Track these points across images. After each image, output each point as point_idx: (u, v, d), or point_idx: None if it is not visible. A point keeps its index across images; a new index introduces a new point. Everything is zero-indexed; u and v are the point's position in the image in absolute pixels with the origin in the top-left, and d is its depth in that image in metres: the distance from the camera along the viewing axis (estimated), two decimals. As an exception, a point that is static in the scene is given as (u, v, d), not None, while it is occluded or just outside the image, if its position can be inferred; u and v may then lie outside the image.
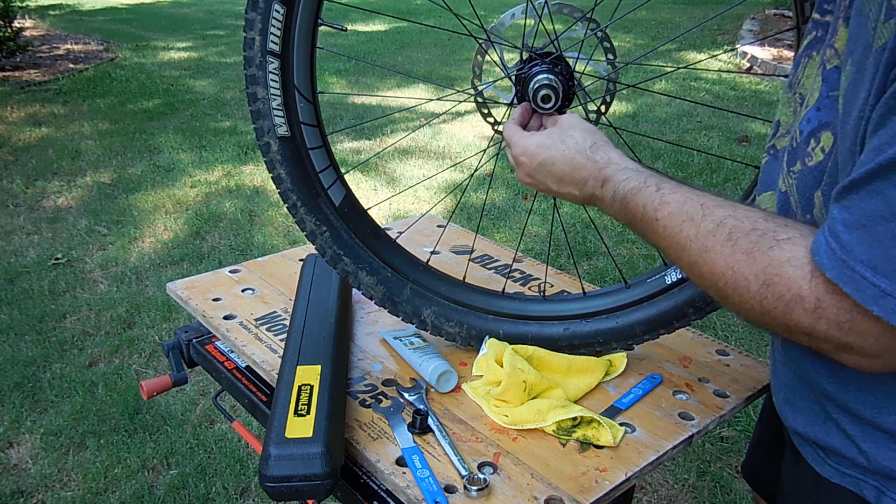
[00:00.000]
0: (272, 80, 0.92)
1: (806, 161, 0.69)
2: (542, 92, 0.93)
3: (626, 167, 0.79)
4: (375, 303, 1.07)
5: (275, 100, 0.93)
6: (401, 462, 0.87)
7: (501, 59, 0.99)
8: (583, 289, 1.16)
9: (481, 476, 0.84)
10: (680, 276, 1.04)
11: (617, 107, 5.29)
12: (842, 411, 0.71)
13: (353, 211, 1.04)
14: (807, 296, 0.59)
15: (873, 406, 0.68)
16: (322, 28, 0.94)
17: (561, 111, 0.97)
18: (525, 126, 0.96)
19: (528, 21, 0.98)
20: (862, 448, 0.70)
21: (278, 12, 0.89)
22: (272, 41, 0.90)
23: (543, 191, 0.89)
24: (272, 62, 0.91)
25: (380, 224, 1.10)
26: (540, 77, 0.94)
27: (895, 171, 0.52)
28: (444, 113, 5.23)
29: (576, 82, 0.97)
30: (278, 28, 0.90)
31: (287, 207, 1.00)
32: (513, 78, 0.98)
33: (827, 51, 0.69)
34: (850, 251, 0.55)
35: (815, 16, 0.76)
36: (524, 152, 0.88)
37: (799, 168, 0.70)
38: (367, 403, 0.99)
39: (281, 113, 0.94)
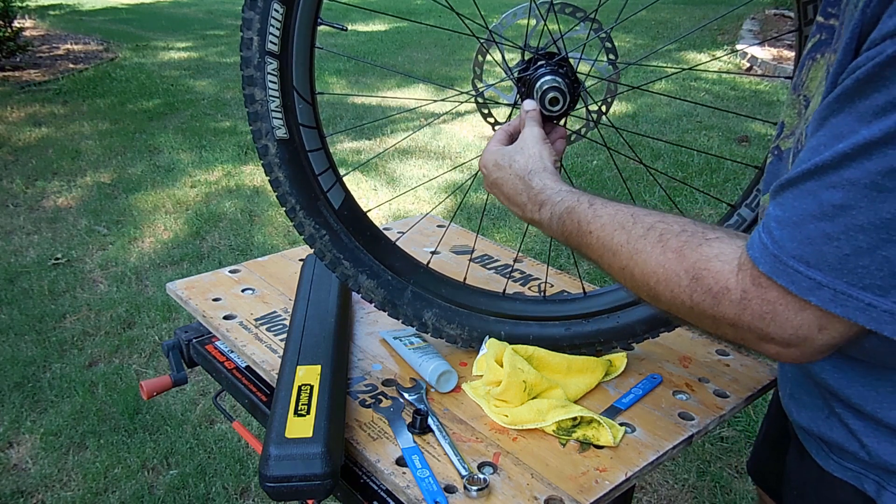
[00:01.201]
0: (271, 81, 0.91)
1: None
2: (550, 95, 0.93)
3: (560, 190, 0.85)
4: (376, 306, 1.07)
5: (273, 101, 0.92)
6: (401, 462, 0.87)
7: (504, 59, 0.99)
8: (583, 288, 1.16)
9: (481, 476, 0.84)
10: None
11: (617, 107, 5.29)
12: (845, 407, 0.72)
13: (353, 214, 1.03)
14: (733, 288, 0.62)
15: (875, 401, 0.69)
16: (321, 28, 0.93)
17: (566, 113, 0.97)
18: (516, 134, 0.99)
19: (530, 21, 0.97)
20: (863, 443, 0.71)
21: (277, 12, 0.87)
22: (271, 41, 0.89)
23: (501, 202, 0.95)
24: (271, 63, 0.90)
25: (380, 224, 1.09)
26: (547, 79, 0.93)
27: (828, 173, 0.55)
28: (444, 113, 5.23)
29: (579, 83, 0.97)
30: (277, 28, 0.88)
31: (286, 211, 0.99)
32: (515, 79, 0.98)
33: (831, 55, 0.69)
34: (781, 247, 0.57)
35: (819, 19, 0.76)
36: (485, 165, 0.94)
37: None
38: (367, 403, 0.99)
39: (279, 115, 0.93)
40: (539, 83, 0.94)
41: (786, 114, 0.81)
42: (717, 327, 0.66)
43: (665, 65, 6.33)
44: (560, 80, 0.93)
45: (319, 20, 0.92)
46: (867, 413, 0.70)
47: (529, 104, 0.96)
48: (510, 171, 0.90)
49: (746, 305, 0.61)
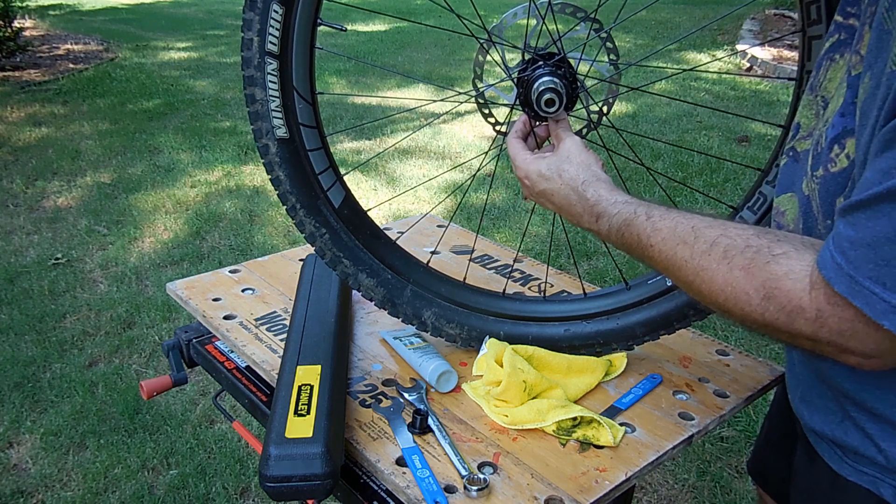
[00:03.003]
0: (271, 81, 0.91)
1: (829, 167, 0.69)
2: (546, 96, 0.92)
3: (615, 201, 0.83)
4: (376, 304, 1.07)
5: (273, 101, 0.93)
6: (401, 462, 0.87)
7: (503, 60, 0.99)
8: (583, 289, 1.16)
9: (481, 476, 0.84)
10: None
11: (617, 107, 5.28)
12: (861, 410, 0.72)
13: (353, 213, 1.03)
14: (807, 306, 0.61)
15: (893, 405, 0.69)
16: (321, 28, 0.93)
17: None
18: (527, 136, 0.99)
19: (530, 21, 0.97)
20: (881, 447, 0.71)
21: (277, 12, 0.88)
22: (271, 42, 0.89)
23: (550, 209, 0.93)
24: (271, 63, 0.91)
25: (380, 224, 1.10)
26: (544, 80, 0.93)
27: None
28: (444, 113, 5.23)
29: (579, 84, 0.96)
30: (277, 28, 0.89)
31: (286, 209, 0.99)
32: (515, 80, 0.97)
33: (853, 56, 0.69)
34: (857, 268, 0.57)
35: (838, 18, 0.75)
36: (527, 177, 0.93)
37: (822, 173, 0.71)
38: (367, 403, 0.99)
39: (280, 115, 0.93)
40: (535, 84, 0.94)
41: (802, 114, 0.80)
42: (793, 340, 0.66)
43: (665, 65, 6.33)
44: (557, 80, 0.93)
45: (319, 20, 0.92)
46: (885, 417, 0.69)
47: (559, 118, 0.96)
48: (560, 182, 0.88)
49: (823, 323, 0.61)
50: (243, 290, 1.29)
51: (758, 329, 0.67)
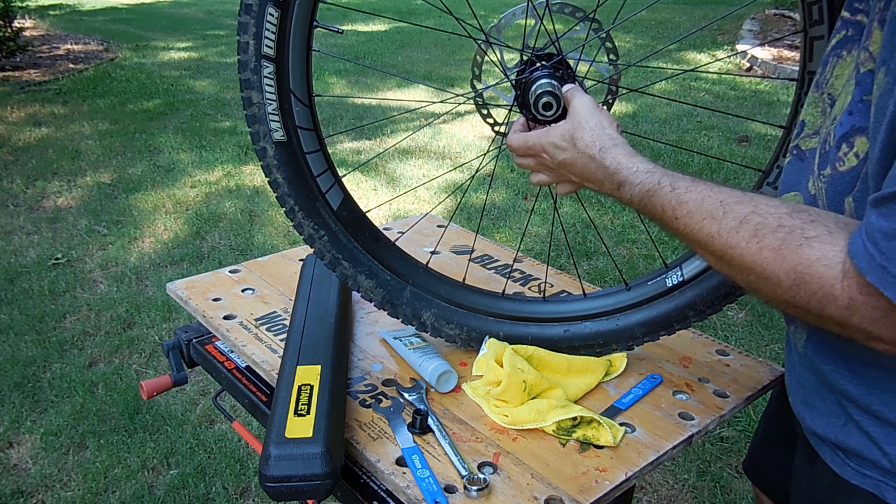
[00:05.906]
0: (267, 84, 0.91)
1: (837, 166, 0.69)
2: (543, 100, 0.92)
3: (637, 170, 0.80)
4: (375, 305, 1.07)
5: (270, 104, 0.92)
6: (401, 462, 0.87)
7: (502, 61, 0.98)
8: (583, 290, 1.16)
9: (481, 476, 0.84)
10: (681, 279, 1.04)
11: (617, 107, 5.27)
12: (865, 413, 0.72)
13: (352, 214, 1.03)
14: (839, 294, 0.60)
15: None
16: (319, 29, 0.93)
17: (563, 117, 0.96)
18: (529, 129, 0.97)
19: (528, 21, 0.97)
20: (885, 450, 0.70)
21: (272, 15, 0.87)
22: (266, 45, 0.88)
23: (568, 183, 0.91)
24: (267, 66, 0.90)
25: (380, 224, 1.09)
26: (541, 83, 0.92)
27: None
28: (444, 114, 5.23)
29: (577, 84, 0.96)
30: (272, 31, 0.88)
31: (285, 211, 0.99)
32: (513, 82, 0.97)
33: (861, 53, 0.68)
34: (890, 258, 0.57)
35: (845, 14, 0.74)
36: (544, 151, 0.89)
37: (829, 172, 0.70)
38: (367, 403, 0.99)
39: (277, 117, 0.93)
40: (533, 87, 0.93)
41: (807, 112, 0.79)
42: (822, 324, 0.65)
43: (665, 65, 6.34)
44: (555, 83, 0.92)
45: (315, 23, 0.91)
46: (889, 420, 0.69)
47: (569, 86, 0.93)
48: (577, 151, 0.85)
49: (855, 311, 0.60)
50: (243, 290, 1.30)
51: (787, 310, 0.67)
